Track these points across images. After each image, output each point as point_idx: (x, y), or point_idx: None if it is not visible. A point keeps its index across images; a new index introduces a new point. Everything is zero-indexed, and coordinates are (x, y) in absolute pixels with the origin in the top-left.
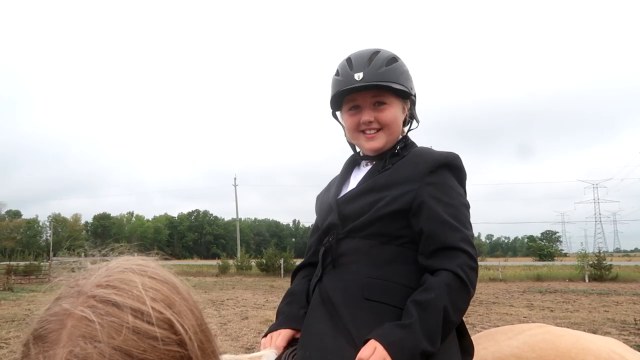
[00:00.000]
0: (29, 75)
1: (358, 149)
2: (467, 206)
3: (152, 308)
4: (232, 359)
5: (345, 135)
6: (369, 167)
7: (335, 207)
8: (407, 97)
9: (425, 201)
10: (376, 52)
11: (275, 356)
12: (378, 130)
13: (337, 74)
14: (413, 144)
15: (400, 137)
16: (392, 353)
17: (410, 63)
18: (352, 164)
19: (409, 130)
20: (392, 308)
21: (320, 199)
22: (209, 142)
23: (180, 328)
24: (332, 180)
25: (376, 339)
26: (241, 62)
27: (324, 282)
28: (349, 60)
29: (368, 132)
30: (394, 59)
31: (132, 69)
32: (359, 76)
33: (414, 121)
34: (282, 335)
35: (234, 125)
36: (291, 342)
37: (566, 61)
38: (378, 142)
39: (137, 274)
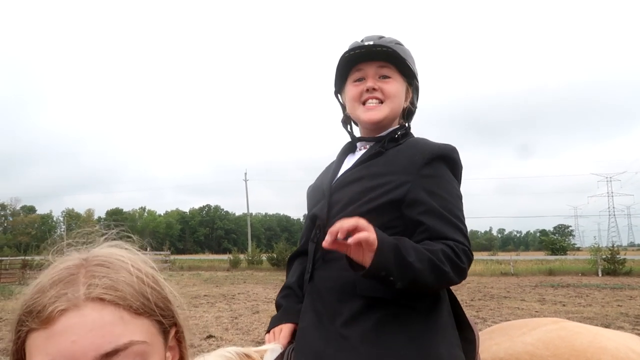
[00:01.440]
0: (42, 73)
1: (355, 132)
2: (461, 199)
3: (146, 271)
4: (238, 351)
5: (342, 119)
6: (363, 151)
7: (328, 194)
8: (411, 79)
9: (420, 193)
10: (382, 36)
11: (281, 350)
12: (380, 102)
13: (348, 49)
14: (410, 133)
15: (401, 124)
16: (379, 239)
17: (422, 56)
18: (348, 150)
19: (411, 117)
20: (386, 301)
21: (311, 187)
22: (220, 138)
23: (168, 295)
24: (325, 169)
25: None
26: (252, 58)
27: (315, 279)
28: (360, 40)
29: (369, 102)
30: (400, 44)
31: (144, 65)
32: (369, 42)
33: (413, 112)
34: (284, 331)
35: (245, 121)
36: (295, 335)
37: (579, 53)
38: (378, 113)
39: (124, 249)
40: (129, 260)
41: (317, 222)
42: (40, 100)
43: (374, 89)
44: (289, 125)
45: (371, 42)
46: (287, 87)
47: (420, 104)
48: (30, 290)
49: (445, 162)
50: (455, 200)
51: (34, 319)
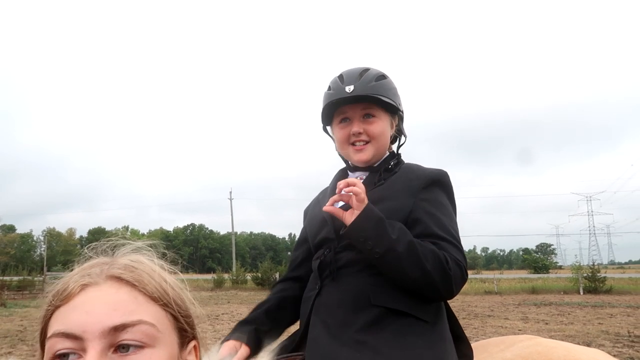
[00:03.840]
0: (25, 87)
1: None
2: (456, 221)
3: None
4: None
5: (336, 148)
6: (361, 180)
7: (330, 221)
8: (395, 112)
9: (420, 216)
10: (366, 70)
11: None
12: (367, 142)
13: (329, 88)
14: (402, 160)
15: (390, 153)
16: (369, 204)
17: (405, 75)
18: (343, 176)
19: (399, 146)
20: (400, 312)
21: (309, 212)
22: (205, 156)
23: (189, 306)
24: (320, 194)
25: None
26: (237, 75)
27: (324, 295)
28: (340, 76)
29: (357, 144)
30: (383, 76)
31: (130, 83)
32: (349, 89)
33: (403, 137)
34: (226, 347)
35: (230, 139)
36: (290, 350)
37: (562, 74)
38: (366, 154)
39: (151, 258)
40: (157, 263)
41: (327, 243)
42: (23, 115)
43: (359, 133)
44: (274, 144)
45: (352, 88)
46: (273, 105)
47: (406, 123)
48: (61, 279)
49: (439, 186)
50: (451, 221)
51: (58, 297)
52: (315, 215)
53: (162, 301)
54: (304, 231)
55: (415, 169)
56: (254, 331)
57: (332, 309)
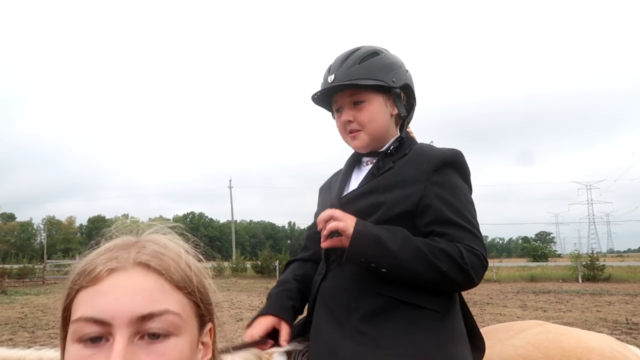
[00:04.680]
0: (25, 76)
1: None
2: (473, 204)
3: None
4: (255, 352)
5: None
6: (370, 166)
7: (338, 207)
8: (387, 90)
9: (431, 202)
10: (354, 51)
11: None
12: (359, 130)
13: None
14: (412, 140)
15: (398, 135)
16: (356, 228)
17: (409, 63)
18: (354, 162)
19: (402, 127)
20: (405, 302)
21: (322, 193)
22: (205, 144)
23: (210, 291)
24: (333, 176)
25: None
26: (237, 64)
27: (329, 279)
28: (331, 64)
29: (351, 132)
30: (373, 54)
31: (128, 71)
32: (331, 78)
33: (407, 115)
34: (261, 325)
35: (230, 127)
36: (300, 340)
37: (562, 62)
38: (360, 141)
39: (177, 241)
40: (181, 247)
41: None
42: (22, 104)
43: (350, 121)
44: (274, 132)
45: (332, 77)
46: (272, 93)
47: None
48: (87, 258)
49: (453, 167)
50: (466, 206)
51: (84, 277)
52: (326, 199)
53: (186, 290)
54: (318, 212)
55: (426, 150)
56: (292, 308)
57: (337, 294)
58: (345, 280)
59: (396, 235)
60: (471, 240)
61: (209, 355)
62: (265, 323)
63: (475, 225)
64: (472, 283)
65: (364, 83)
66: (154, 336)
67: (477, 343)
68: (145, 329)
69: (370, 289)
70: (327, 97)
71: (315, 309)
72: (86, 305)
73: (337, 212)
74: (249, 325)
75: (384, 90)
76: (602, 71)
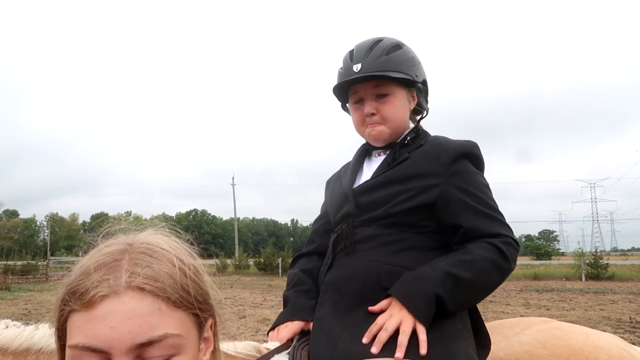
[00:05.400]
0: (28, 72)
1: None
2: (491, 190)
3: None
4: (254, 344)
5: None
6: (382, 157)
7: (352, 197)
8: (412, 85)
9: (452, 194)
10: (378, 41)
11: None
12: (381, 123)
13: (341, 66)
14: (426, 133)
15: (412, 126)
16: (408, 304)
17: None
18: (364, 153)
19: (420, 119)
20: None
21: (331, 185)
22: (208, 141)
23: (208, 288)
24: (342, 168)
25: (393, 294)
26: (240, 60)
27: (335, 270)
28: (351, 52)
29: (371, 124)
30: (397, 47)
31: (131, 67)
32: (357, 67)
33: (425, 111)
34: (289, 328)
35: (233, 124)
36: (303, 333)
37: (566, 59)
38: (381, 134)
39: (168, 239)
40: (173, 250)
41: (348, 218)
42: (25, 100)
43: (372, 114)
44: (277, 129)
45: (359, 66)
46: (275, 90)
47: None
48: (75, 271)
49: (469, 159)
50: (487, 193)
51: (76, 300)
52: (336, 190)
53: (185, 305)
54: (325, 205)
55: (442, 142)
56: (314, 307)
57: (341, 286)
58: (351, 272)
59: (445, 283)
60: (501, 228)
61: (211, 348)
62: (293, 327)
63: (499, 211)
64: (512, 270)
65: (393, 75)
66: None
67: (482, 340)
68: (146, 357)
69: (375, 283)
70: (345, 87)
71: (320, 300)
72: (81, 332)
73: (380, 319)
74: (272, 329)
75: (408, 84)
76: (607, 67)
